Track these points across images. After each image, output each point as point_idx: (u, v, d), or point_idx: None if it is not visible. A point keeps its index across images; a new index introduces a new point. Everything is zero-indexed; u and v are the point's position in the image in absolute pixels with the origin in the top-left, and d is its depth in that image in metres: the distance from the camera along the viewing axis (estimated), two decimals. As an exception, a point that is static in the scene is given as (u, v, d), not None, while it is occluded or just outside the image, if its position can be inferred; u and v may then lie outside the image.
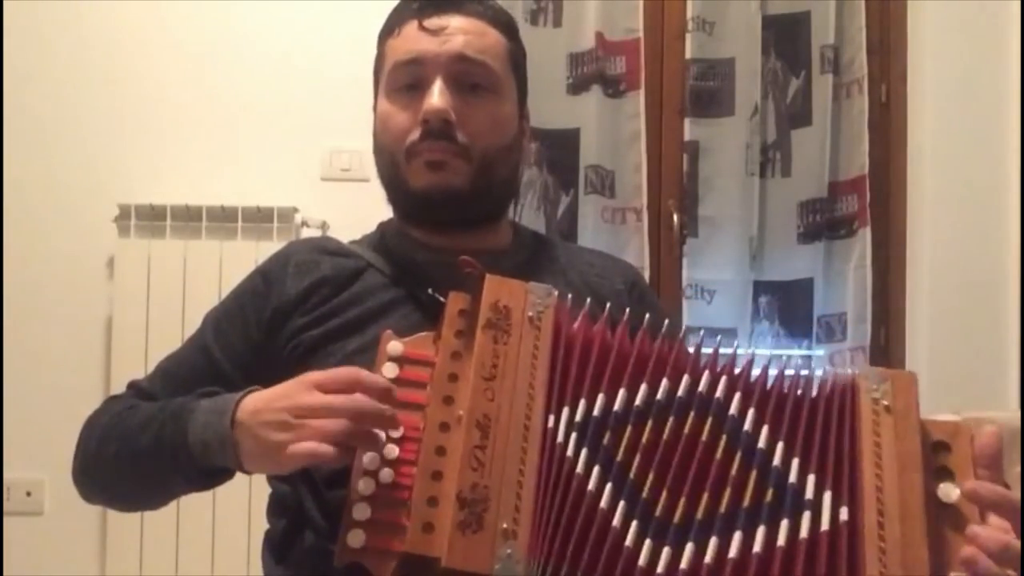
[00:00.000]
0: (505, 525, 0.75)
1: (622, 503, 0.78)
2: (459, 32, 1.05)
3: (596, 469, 0.79)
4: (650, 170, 2.52)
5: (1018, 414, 2.06)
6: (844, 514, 0.79)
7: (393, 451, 0.82)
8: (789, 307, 2.55)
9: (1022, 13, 2.39)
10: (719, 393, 0.84)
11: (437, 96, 1.03)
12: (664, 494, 0.79)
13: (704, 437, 0.82)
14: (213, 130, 2.53)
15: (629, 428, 0.82)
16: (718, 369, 0.86)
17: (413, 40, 1.06)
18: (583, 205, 2.50)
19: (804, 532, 0.78)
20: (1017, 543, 0.76)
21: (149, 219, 2.46)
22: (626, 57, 2.53)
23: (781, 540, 0.78)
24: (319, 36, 2.55)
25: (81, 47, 2.53)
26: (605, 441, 0.81)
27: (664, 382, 0.84)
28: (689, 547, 0.77)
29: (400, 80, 1.06)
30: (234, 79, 2.54)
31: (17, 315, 2.46)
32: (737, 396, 0.84)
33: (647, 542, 0.77)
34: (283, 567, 0.99)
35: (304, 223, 2.47)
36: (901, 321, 2.54)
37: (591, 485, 0.79)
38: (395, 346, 0.88)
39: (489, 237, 1.12)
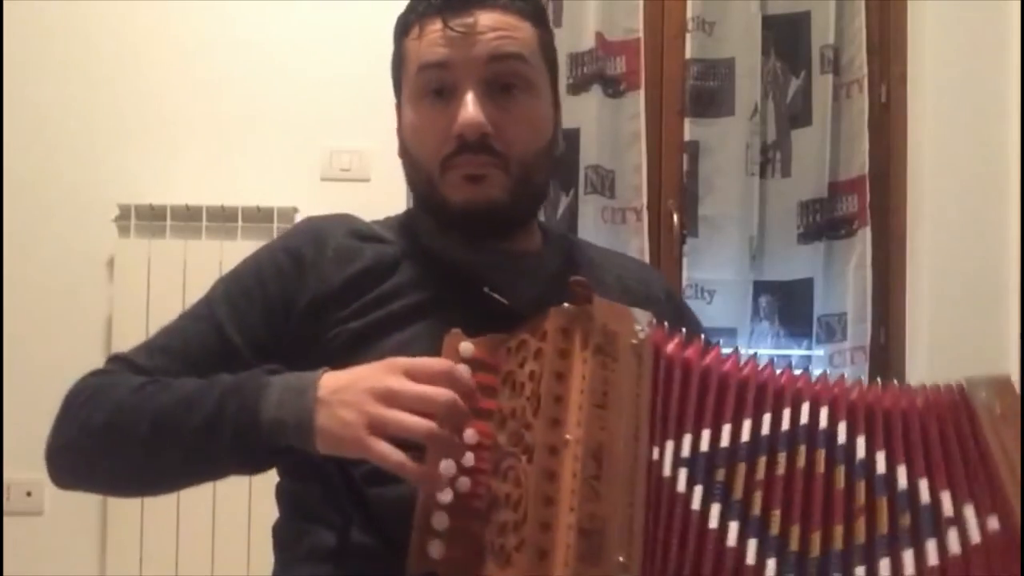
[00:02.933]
0: (621, 559, 0.74)
1: (752, 540, 0.76)
2: (488, 30, 0.98)
3: (716, 507, 0.77)
4: (650, 170, 2.52)
5: (1018, 414, 2.06)
6: (994, 523, 0.78)
7: (469, 459, 0.80)
8: (789, 307, 2.55)
9: (1022, 13, 2.39)
10: (823, 423, 0.82)
11: (472, 107, 0.97)
12: (796, 529, 0.78)
13: (820, 469, 0.80)
14: (213, 130, 2.53)
15: (743, 464, 0.80)
16: (810, 395, 0.83)
17: (439, 42, 0.99)
18: (583, 205, 2.50)
19: (955, 548, 0.76)
20: None
21: (149, 219, 2.46)
22: (626, 57, 2.53)
23: (932, 559, 0.76)
24: (319, 36, 2.55)
25: (81, 47, 2.53)
26: (720, 478, 0.79)
27: (767, 416, 0.82)
28: None
29: (427, 85, 1.00)
30: (234, 79, 2.54)
31: (17, 315, 2.45)
32: (843, 424, 0.82)
33: None
34: (300, 563, 0.96)
35: (304, 223, 2.47)
36: (901, 321, 2.54)
37: (713, 523, 0.77)
38: (467, 347, 0.84)
39: (523, 239, 1.08)
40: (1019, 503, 0.78)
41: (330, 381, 0.84)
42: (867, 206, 2.51)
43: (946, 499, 0.79)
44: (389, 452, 0.77)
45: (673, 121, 2.57)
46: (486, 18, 0.99)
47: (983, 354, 2.44)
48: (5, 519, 2.39)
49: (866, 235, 2.50)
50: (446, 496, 0.79)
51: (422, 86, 1.01)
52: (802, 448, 0.81)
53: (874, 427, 0.82)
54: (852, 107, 2.55)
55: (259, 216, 2.45)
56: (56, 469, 0.97)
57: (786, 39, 2.59)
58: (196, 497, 2.30)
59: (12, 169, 2.50)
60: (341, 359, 0.92)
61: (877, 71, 2.57)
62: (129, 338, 2.32)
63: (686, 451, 0.79)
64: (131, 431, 0.90)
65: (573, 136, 2.49)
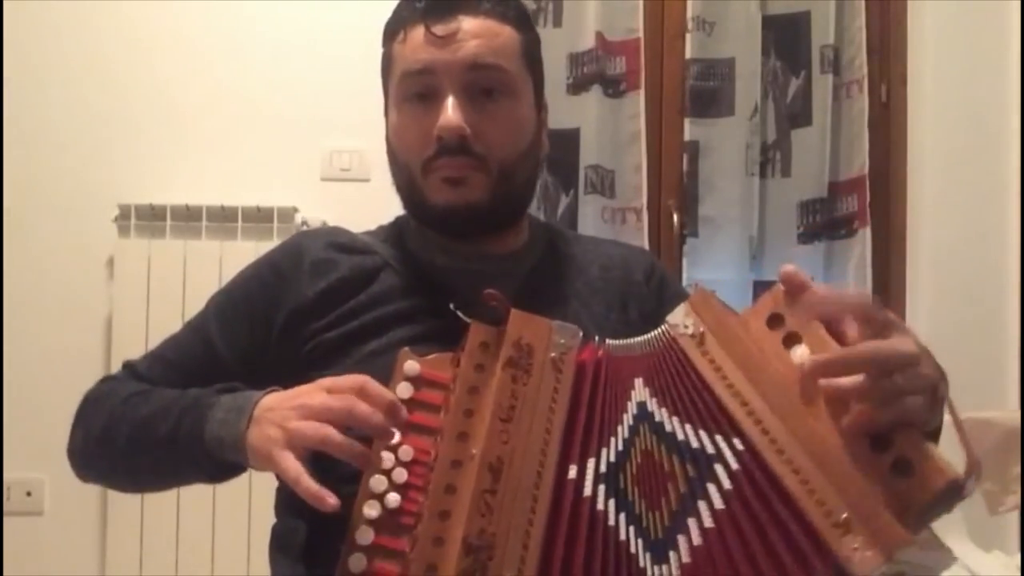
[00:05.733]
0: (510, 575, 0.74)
1: (640, 539, 0.77)
2: (470, 37, 1.00)
3: (622, 516, 0.78)
4: (650, 170, 2.52)
5: (1018, 414, 2.06)
6: (739, 444, 0.76)
7: (402, 475, 0.81)
8: (789, 307, 2.54)
9: (1022, 13, 2.39)
10: (639, 398, 0.82)
11: (451, 111, 0.98)
12: (652, 516, 0.78)
13: (645, 447, 0.80)
14: (213, 130, 2.53)
15: (626, 464, 0.80)
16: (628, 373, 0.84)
17: (421, 48, 1.01)
18: (583, 205, 2.50)
19: (727, 483, 0.75)
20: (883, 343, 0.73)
21: (149, 219, 2.47)
22: (626, 57, 2.53)
23: (718, 503, 0.75)
24: (319, 36, 2.55)
25: (81, 47, 2.53)
26: (621, 484, 0.79)
27: (625, 412, 0.82)
28: (672, 555, 0.76)
29: (410, 90, 1.02)
30: (234, 79, 2.54)
31: (17, 315, 2.46)
32: (639, 381, 0.83)
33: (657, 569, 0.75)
34: (295, 565, 0.98)
35: (304, 223, 2.47)
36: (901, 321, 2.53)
37: (622, 535, 0.77)
38: (412, 366, 0.85)
39: (509, 239, 1.10)
40: (745, 413, 0.76)
41: (267, 400, 0.87)
42: (867, 206, 2.51)
43: (704, 438, 0.78)
44: (289, 466, 0.79)
45: (673, 121, 2.57)
46: (468, 24, 1.01)
47: (983, 354, 2.44)
48: (5, 519, 2.39)
49: (866, 235, 2.50)
50: (373, 511, 0.79)
51: (406, 91, 1.03)
52: (639, 434, 0.81)
53: (660, 390, 0.82)
54: (852, 107, 2.55)
55: (259, 216, 2.46)
56: (75, 468, 1.05)
57: (786, 39, 2.59)
58: (196, 497, 2.31)
59: (12, 169, 2.50)
60: (319, 369, 0.97)
61: (877, 71, 2.58)
62: (129, 338, 2.36)
63: (604, 467, 0.79)
64: (115, 440, 0.98)
65: (573, 136, 2.50)
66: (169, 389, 1.00)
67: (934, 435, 0.78)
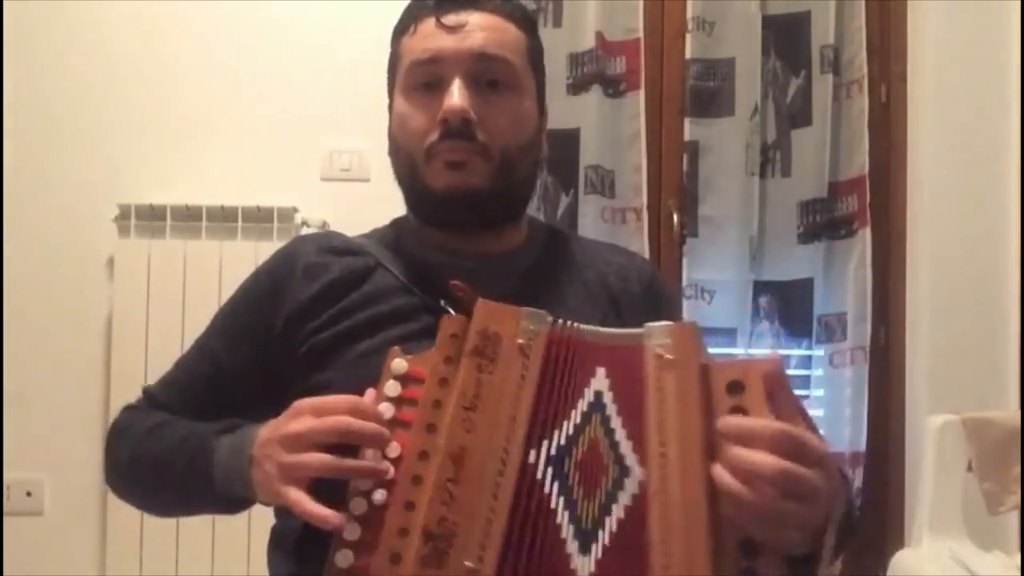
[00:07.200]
0: (469, 563, 0.75)
1: (572, 527, 0.78)
2: (478, 29, 1.03)
3: (561, 500, 0.79)
4: (650, 170, 2.52)
5: (1018, 414, 2.06)
6: (642, 475, 0.79)
7: (388, 472, 0.81)
8: (789, 307, 2.55)
9: (1022, 13, 2.39)
10: (596, 387, 0.84)
11: (457, 95, 1.00)
12: (586, 504, 0.79)
13: (594, 435, 0.82)
14: (213, 130, 2.53)
15: (573, 449, 0.82)
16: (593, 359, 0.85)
17: (431, 38, 1.03)
18: (583, 205, 2.50)
19: (628, 501, 0.78)
20: (767, 460, 0.73)
21: (149, 219, 2.47)
22: (626, 57, 2.53)
23: (621, 514, 0.78)
24: (319, 36, 2.55)
25: (82, 47, 2.53)
26: (565, 468, 0.80)
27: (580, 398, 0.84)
28: (594, 547, 0.78)
29: (418, 78, 1.04)
30: (234, 79, 2.54)
31: (17, 315, 2.46)
32: (609, 393, 0.84)
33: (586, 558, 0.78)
34: (289, 561, 0.99)
35: (304, 223, 2.48)
36: (901, 321, 2.54)
37: (558, 519, 0.79)
38: (399, 363, 0.86)
39: (507, 237, 1.10)
40: (659, 454, 0.78)
41: (261, 435, 0.88)
42: (867, 206, 2.51)
43: (629, 449, 0.80)
44: (296, 500, 0.81)
45: (673, 121, 2.57)
46: (477, 18, 1.04)
47: (983, 354, 2.44)
48: (5, 519, 2.39)
49: (866, 235, 2.50)
50: (360, 508, 0.80)
51: (413, 80, 1.05)
52: (589, 423, 0.82)
53: (621, 386, 0.83)
54: (852, 107, 2.55)
55: (259, 216, 2.46)
56: (115, 495, 1.09)
57: (786, 39, 2.59)
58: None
59: (13, 169, 2.50)
60: (316, 370, 0.99)
61: (877, 71, 2.58)
62: (129, 338, 2.37)
63: (554, 449, 0.81)
64: (140, 475, 1.04)
65: (573, 136, 2.50)
66: (182, 422, 1.02)
67: (812, 563, 0.78)
